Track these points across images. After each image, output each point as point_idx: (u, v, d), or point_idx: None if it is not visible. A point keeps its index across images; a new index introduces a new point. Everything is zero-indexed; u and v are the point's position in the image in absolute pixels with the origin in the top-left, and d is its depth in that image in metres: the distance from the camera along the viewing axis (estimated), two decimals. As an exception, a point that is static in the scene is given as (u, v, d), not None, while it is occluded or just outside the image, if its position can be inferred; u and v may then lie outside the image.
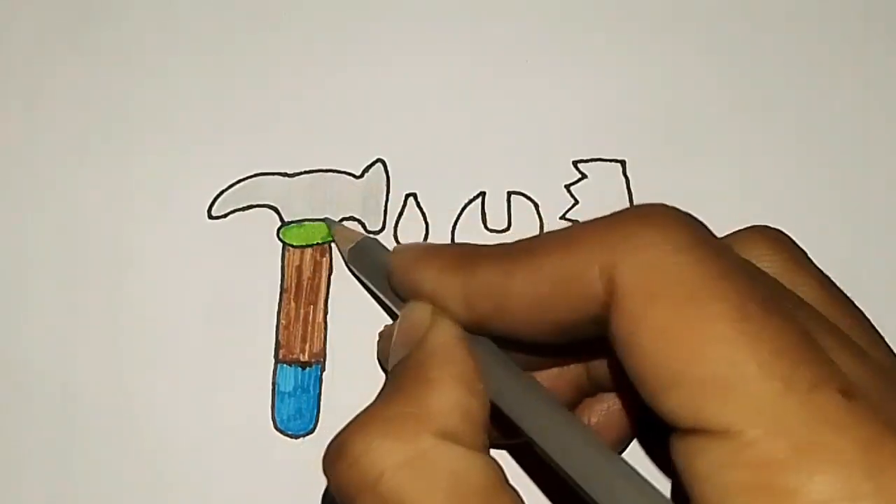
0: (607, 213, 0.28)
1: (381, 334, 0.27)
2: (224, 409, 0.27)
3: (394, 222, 0.29)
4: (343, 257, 0.28)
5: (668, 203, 0.26)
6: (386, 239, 0.28)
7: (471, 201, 0.29)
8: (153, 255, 0.28)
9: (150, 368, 0.28)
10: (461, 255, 0.21)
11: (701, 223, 0.19)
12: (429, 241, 0.29)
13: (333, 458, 0.19)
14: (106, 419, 0.27)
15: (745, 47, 0.30)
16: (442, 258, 0.21)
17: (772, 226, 0.22)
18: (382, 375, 0.27)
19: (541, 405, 0.20)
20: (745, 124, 0.30)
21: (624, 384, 0.20)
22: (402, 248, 0.24)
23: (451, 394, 0.19)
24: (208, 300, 0.28)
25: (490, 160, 0.29)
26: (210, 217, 0.29)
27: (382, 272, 0.24)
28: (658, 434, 0.18)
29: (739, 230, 0.22)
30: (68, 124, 0.30)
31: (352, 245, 0.27)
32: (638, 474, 0.18)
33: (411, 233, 0.29)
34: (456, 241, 0.29)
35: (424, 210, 0.29)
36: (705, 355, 0.16)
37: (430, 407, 0.19)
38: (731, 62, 0.30)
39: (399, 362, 0.21)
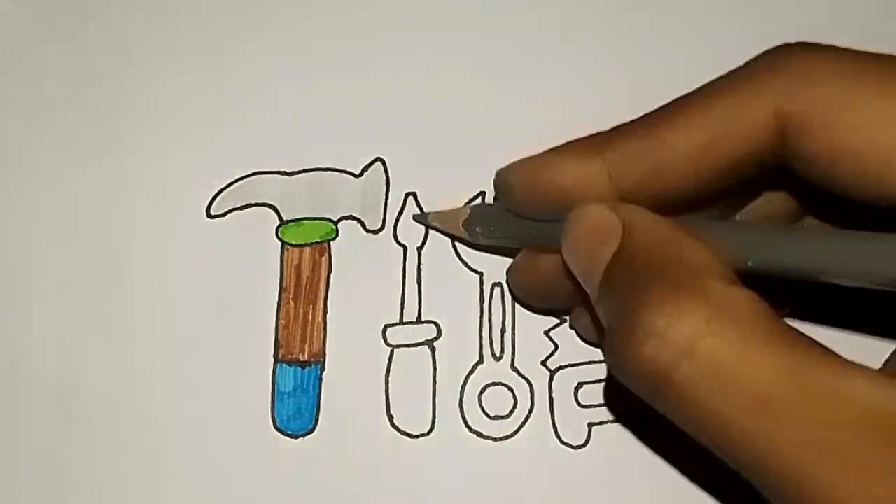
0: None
1: (511, 269, 0.26)
2: (223, 409, 0.27)
3: (393, 221, 0.29)
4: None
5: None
6: (385, 239, 0.28)
7: (471, 200, 0.29)
8: (151, 255, 0.28)
9: (149, 368, 0.28)
10: (588, 141, 0.21)
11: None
12: (428, 241, 0.28)
13: (638, 343, 0.18)
14: (105, 419, 0.27)
15: (744, 48, 0.30)
16: (568, 151, 0.22)
17: None
18: (382, 375, 0.27)
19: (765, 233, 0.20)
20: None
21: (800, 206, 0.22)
22: (513, 165, 0.23)
23: (702, 247, 0.19)
24: (207, 300, 0.28)
25: (490, 160, 0.29)
26: (208, 216, 0.29)
27: (513, 221, 0.24)
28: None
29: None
30: (66, 123, 0.29)
31: (465, 217, 0.26)
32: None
33: (411, 233, 0.29)
34: (455, 243, 0.29)
35: (424, 209, 0.29)
36: None
37: (698, 261, 0.18)
38: (730, 62, 0.30)
39: (617, 257, 0.20)
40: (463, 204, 0.29)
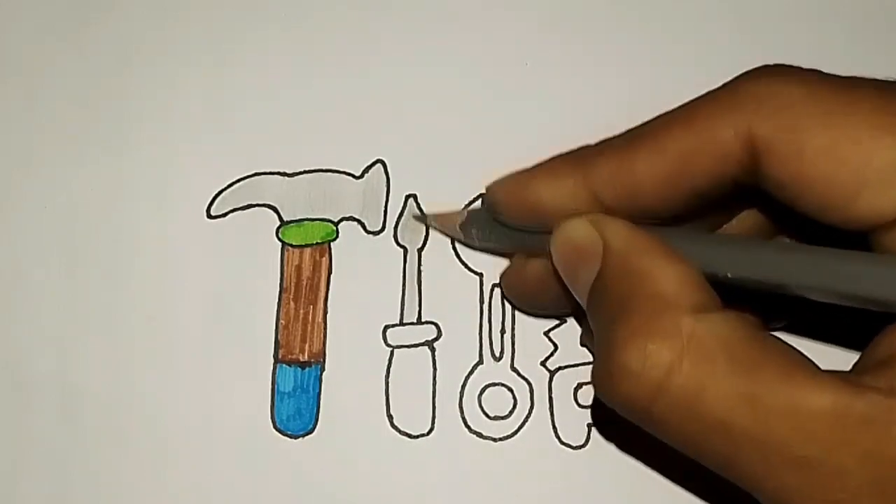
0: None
1: (504, 274, 0.27)
2: (223, 409, 0.27)
3: (394, 223, 0.29)
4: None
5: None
6: (386, 240, 0.29)
7: (471, 202, 0.29)
8: (152, 255, 0.28)
9: (150, 368, 0.28)
10: (569, 159, 0.22)
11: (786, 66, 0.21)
12: (428, 243, 0.29)
13: (617, 381, 0.19)
14: (105, 419, 0.27)
15: (744, 49, 0.30)
16: (550, 168, 0.22)
17: None
18: (382, 375, 0.28)
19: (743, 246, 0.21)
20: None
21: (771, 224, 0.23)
22: (499, 181, 0.24)
23: (673, 273, 0.20)
24: (207, 300, 0.28)
25: (490, 161, 0.29)
26: (209, 216, 0.29)
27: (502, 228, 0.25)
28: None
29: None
30: (66, 123, 0.30)
31: (462, 220, 0.27)
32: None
33: (411, 234, 0.29)
34: (455, 244, 0.29)
35: (424, 211, 0.29)
36: (884, 148, 0.18)
37: (668, 294, 0.19)
38: (730, 63, 0.30)
39: (598, 281, 0.21)
40: (462, 206, 0.29)
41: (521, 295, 0.27)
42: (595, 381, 0.20)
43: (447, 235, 0.28)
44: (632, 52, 0.30)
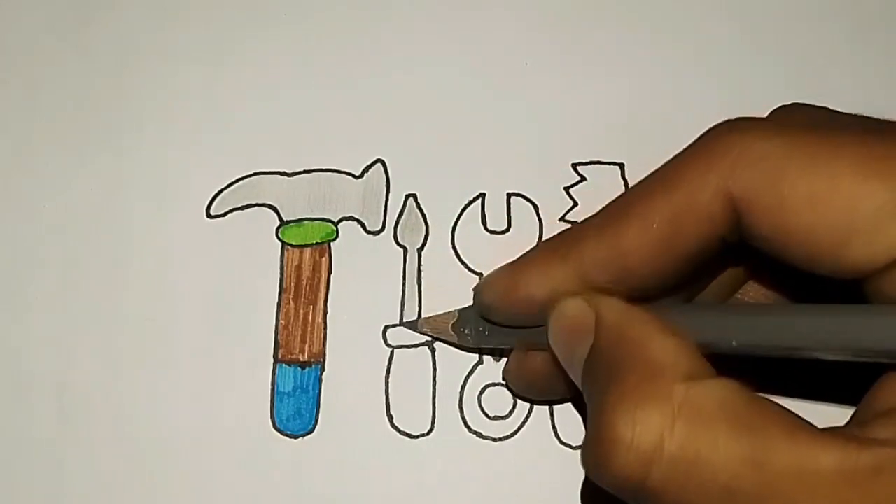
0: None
1: (507, 370, 0.27)
2: (223, 410, 0.27)
3: (393, 223, 0.29)
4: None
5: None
6: (386, 240, 0.29)
7: (471, 202, 0.29)
8: (151, 255, 0.28)
9: (149, 368, 0.28)
10: (554, 247, 0.22)
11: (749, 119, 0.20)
12: (428, 243, 0.29)
13: (607, 453, 0.18)
14: (104, 419, 0.27)
15: (743, 49, 0.30)
16: (536, 261, 0.22)
17: None
18: (382, 375, 0.27)
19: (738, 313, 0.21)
20: (744, 127, 0.30)
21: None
22: (486, 281, 0.24)
23: (666, 343, 0.19)
24: (207, 300, 0.28)
25: (490, 161, 0.29)
26: (209, 216, 0.29)
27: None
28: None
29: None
30: (66, 123, 0.29)
31: (454, 321, 0.26)
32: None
33: (411, 234, 0.29)
34: (455, 242, 0.29)
35: (424, 210, 0.29)
36: (869, 195, 0.17)
37: (659, 361, 0.19)
38: (729, 64, 0.30)
39: (591, 354, 0.20)
40: (461, 207, 0.29)
41: (526, 387, 0.26)
42: (584, 458, 0.19)
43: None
44: (632, 52, 0.30)
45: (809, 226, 0.18)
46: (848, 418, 0.20)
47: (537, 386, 0.26)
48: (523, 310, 0.22)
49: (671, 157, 0.21)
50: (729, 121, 0.20)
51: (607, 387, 0.19)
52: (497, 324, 0.24)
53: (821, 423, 0.18)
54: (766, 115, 0.29)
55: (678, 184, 0.20)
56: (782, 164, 0.18)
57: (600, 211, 0.21)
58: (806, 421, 0.18)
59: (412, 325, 0.28)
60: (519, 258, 0.23)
